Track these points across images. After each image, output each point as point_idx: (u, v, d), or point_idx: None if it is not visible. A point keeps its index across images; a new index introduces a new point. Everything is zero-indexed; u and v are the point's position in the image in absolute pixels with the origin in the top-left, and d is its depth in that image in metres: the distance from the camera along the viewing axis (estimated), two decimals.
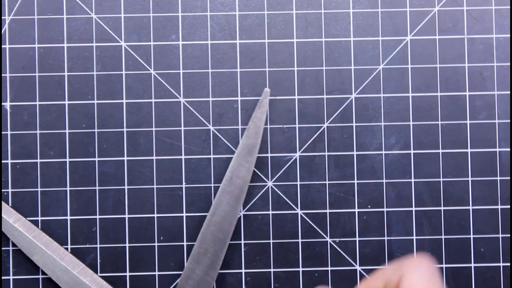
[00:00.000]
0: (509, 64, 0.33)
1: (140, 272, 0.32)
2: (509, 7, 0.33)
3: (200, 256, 0.31)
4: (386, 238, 0.33)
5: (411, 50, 0.33)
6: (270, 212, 0.33)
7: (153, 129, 0.32)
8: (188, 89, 0.33)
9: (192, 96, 0.33)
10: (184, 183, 0.32)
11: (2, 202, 0.32)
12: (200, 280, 0.31)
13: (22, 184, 0.32)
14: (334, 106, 0.33)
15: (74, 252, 0.32)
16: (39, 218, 0.32)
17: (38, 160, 0.32)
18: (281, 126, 0.33)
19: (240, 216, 0.32)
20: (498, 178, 0.33)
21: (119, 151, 0.32)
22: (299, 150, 0.33)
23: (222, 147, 0.33)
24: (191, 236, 0.32)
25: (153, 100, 0.32)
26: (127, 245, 0.32)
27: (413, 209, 0.33)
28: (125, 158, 0.32)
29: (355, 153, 0.33)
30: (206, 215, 0.32)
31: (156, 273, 0.32)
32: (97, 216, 0.32)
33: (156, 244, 0.32)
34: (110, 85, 0.32)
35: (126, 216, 0.32)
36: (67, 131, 0.32)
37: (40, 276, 0.32)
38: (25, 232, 0.31)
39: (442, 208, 0.33)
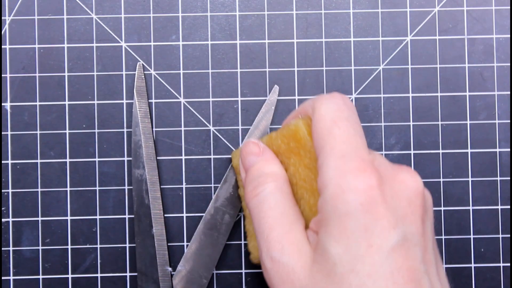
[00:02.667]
0: (509, 64, 0.34)
1: None
2: (509, 7, 0.34)
3: (195, 256, 0.32)
4: None
5: (411, 50, 0.34)
6: None
7: (153, 129, 0.33)
8: (188, 89, 0.33)
9: (192, 97, 0.33)
10: (184, 183, 0.33)
11: None
12: (194, 280, 0.32)
13: (22, 184, 0.33)
14: None
15: (74, 252, 0.33)
16: (39, 219, 0.33)
17: (39, 161, 0.33)
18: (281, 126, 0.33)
19: (240, 216, 0.33)
20: (498, 178, 0.34)
21: (119, 151, 0.33)
22: None
23: (222, 147, 0.33)
24: (191, 237, 0.33)
25: (153, 101, 0.33)
26: (127, 245, 0.33)
27: None
28: (125, 158, 0.33)
29: None
30: None
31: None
32: (97, 217, 0.33)
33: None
34: (110, 86, 0.33)
35: (126, 216, 0.33)
36: (67, 131, 0.33)
37: (40, 276, 0.33)
38: None
39: (442, 208, 0.33)
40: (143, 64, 0.33)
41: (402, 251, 0.22)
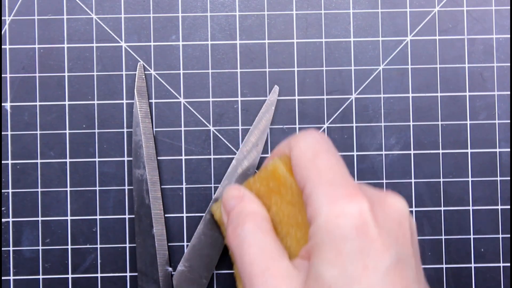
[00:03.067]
0: (509, 64, 0.34)
1: None
2: (509, 7, 0.34)
3: (195, 256, 0.32)
4: None
5: (411, 50, 0.34)
6: None
7: (153, 129, 0.33)
8: (188, 89, 0.33)
9: (192, 97, 0.33)
10: (184, 183, 0.33)
11: None
12: (194, 280, 0.32)
13: (22, 184, 0.33)
14: (334, 107, 0.34)
15: (74, 252, 0.33)
16: (39, 219, 0.33)
17: (39, 161, 0.33)
18: (282, 126, 0.33)
19: None
20: (498, 178, 0.34)
21: (119, 151, 0.33)
22: None
23: (222, 147, 0.33)
24: (191, 237, 0.33)
25: (153, 101, 0.33)
26: (127, 245, 0.33)
27: (413, 209, 0.34)
28: (125, 158, 0.33)
29: (355, 153, 0.34)
30: None
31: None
32: (98, 217, 0.33)
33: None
34: (110, 86, 0.33)
35: (126, 216, 0.33)
36: (67, 131, 0.33)
37: (40, 276, 0.33)
38: None
39: (442, 208, 0.34)
40: (143, 64, 0.33)
41: (396, 271, 0.22)
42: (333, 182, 0.24)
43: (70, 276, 0.33)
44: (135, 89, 0.33)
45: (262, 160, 0.33)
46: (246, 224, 0.26)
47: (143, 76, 0.33)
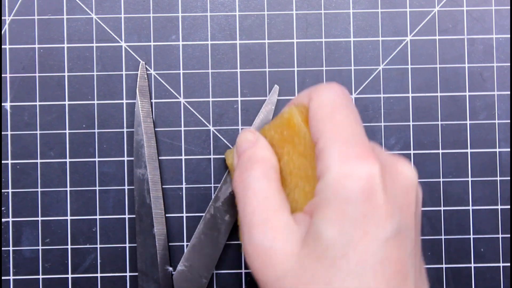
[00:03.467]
0: (509, 64, 0.34)
1: None
2: (509, 7, 0.34)
3: (195, 256, 0.32)
4: None
5: (411, 50, 0.34)
6: None
7: (153, 129, 0.33)
8: (188, 89, 0.34)
9: (192, 97, 0.34)
10: (184, 183, 0.33)
11: None
12: (194, 280, 0.32)
13: (22, 184, 0.33)
14: None
15: (74, 252, 0.33)
16: (39, 218, 0.33)
17: (38, 161, 0.33)
18: None
19: None
20: (498, 178, 0.34)
21: (119, 151, 0.33)
22: None
23: (222, 147, 0.34)
24: (191, 236, 0.33)
25: (153, 101, 0.34)
26: (127, 245, 0.33)
27: None
28: (125, 158, 0.33)
29: None
30: None
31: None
32: (97, 216, 0.33)
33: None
34: (110, 86, 0.34)
35: (126, 216, 0.33)
36: (67, 131, 0.33)
37: (40, 276, 0.33)
38: None
39: (442, 208, 0.34)
40: (145, 64, 0.34)
41: (395, 242, 0.22)
42: (348, 140, 0.23)
43: (70, 276, 0.33)
44: (137, 89, 0.33)
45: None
46: (254, 170, 0.26)
47: (145, 76, 0.33)
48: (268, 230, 0.24)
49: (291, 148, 0.27)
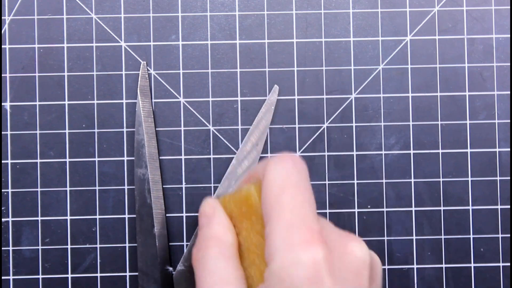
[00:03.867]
0: (509, 64, 0.34)
1: None
2: (509, 7, 0.35)
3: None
4: (386, 238, 0.34)
5: (411, 50, 0.34)
6: None
7: (154, 129, 0.33)
8: (188, 89, 0.34)
9: (192, 96, 0.34)
10: (184, 183, 0.34)
11: None
12: (194, 280, 0.32)
13: (22, 184, 0.33)
14: (334, 106, 0.34)
15: (74, 252, 0.33)
16: (39, 218, 0.33)
17: (38, 160, 0.33)
18: (281, 126, 0.34)
19: None
20: (498, 178, 0.34)
21: (119, 151, 0.34)
22: (299, 150, 0.34)
23: (222, 147, 0.34)
24: (191, 236, 0.33)
25: (153, 100, 0.34)
26: (127, 245, 0.33)
27: (413, 209, 0.34)
28: (125, 158, 0.34)
29: (355, 153, 0.34)
30: None
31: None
32: (97, 216, 0.33)
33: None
34: (110, 85, 0.34)
35: (126, 216, 0.33)
36: (67, 131, 0.34)
37: (40, 276, 0.33)
38: None
39: (442, 208, 0.34)
40: (146, 64, 0.34)
41: None
42: (292, 226, 0.23)
43: (69, 276, 0.33)
44: (138, 88, 0.33)
45: (262, 159, 0.33)
46: (209, 249, 0.26)
47: (146, 76, 0.33)
48: None
49: (249, 225, 0.27)
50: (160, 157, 0.34)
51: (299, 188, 0.25)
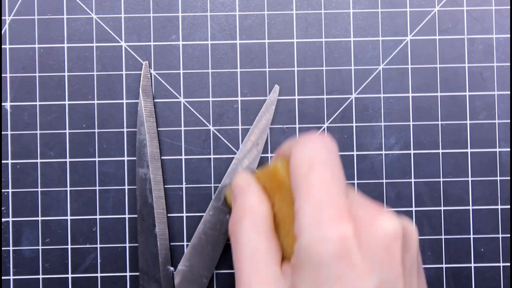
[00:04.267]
0: (509, 64, 0.35)
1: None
2: (509, 7, 0.35)
3: (195, 256, 0.33)
4: None
5: (411, 50, 0.34)
6: None
7: (156, 129, 0.34)
8: (188, 89, 0.34)
9: (192, 96, 0.34)
10: (184, 183, 0.34)
11: None
12: (195, 280, 0.33)
13: (22, 184, 0.34)
14: (334, 106, 0.34)
15: (74, 252, 0.33)
16: (39, 218, 0.34)
17: (38, 160, 0.34)
18: (281, 126, 0.34)
19: None
20: (498, 178, 0.34)
21: (119, 151, 0.34)
22: None
23: (222, 147, 0.34)
24: (191, 236, 0.33)
25: (153, 100, 0.34)
26: (127, 245, 0.34)
27: (413, 209, 0.34)
28: (125, 158, 0.34)
29: (355, 153, 0.34)
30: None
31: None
32: (97, 216, 0.34)
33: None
34: (110, 85, 0.34)
35: (126, 216, 0.34)
36: (67, 131, 0.34)
37: (40, 276, 0.33)
38: None
39: (442, 208, 0.34)
40: (144, 64, 0.34)
41: None
42: (321, 202, 0.23)
43: (70, 276, 0.34)
44: (140, 88, 0.33)
45: (262, 159, 0.34)
46: (243, 222, 0.27)
47: (148, 75, 0.34)
48: (254, 285, 0.25)
49: (280, 197, 0.27)
50: (161, 157, 0.34)
51: (327, 165, 0.25)
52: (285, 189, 0.27)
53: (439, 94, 0.34)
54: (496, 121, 0.34)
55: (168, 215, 0.34)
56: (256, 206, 0.27)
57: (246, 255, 0.26)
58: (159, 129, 0.34)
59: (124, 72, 0.34)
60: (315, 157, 0.25)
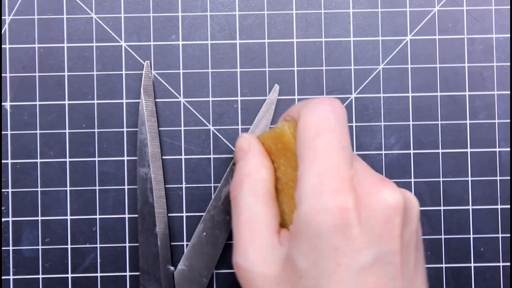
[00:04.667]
0: (509, 64, 0.35)
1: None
2: (509, 7, 0.35)
3: (195, 255, 0.33)
4: None
5: (411, 50, 0.35)
6: None
7: (157, 128, 0.34)
8: (188, 89, 0.34)
9: (192, 96, 0.34)
10: (184, 183, 0.34)
11: None
12: (195, 279, 0.33)
13: (22, 184, 0.34)
14: None
15: (74, 251, 0.34)
16: (39, 218, 0.34)
17: (38, 160, 0.34)
18: None
19: None
20: (498, 178, 0.34)
21: (119, 151, 0.34)
22: None
23: (222, 147, 0.34)
24: (191, 236, 0.33)
25: (154, 100, 0.34)
26: (127, 245, 0.34)
27: None
28: (125, 158, 0.34)
29: (355, 153, 0.34)
30: None
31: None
32: (97, 216, 0.34)
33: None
34: (110, 85, 0.34)
35: (126, 216, 0.34)
36: (67, 131, 0.34)
37: (40, 276, 0.34)
38: None
39: (442, 208, 0.34)
40: (150, 63, 0.34)
41: (372, 270, 0.22)
42: (323, 172, 0.23)
43: (70, 275, 0.34)
44: (141, 88, 0.34)
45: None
46: (242, 185, 0.27)
47: (150, 75, 0.34)
48: (250, 252, 0.25)
49: (285, 161, 0.27)
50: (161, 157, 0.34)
51: (334, 132, 0.24)
52: (291, 153, 0.26)
53: (439, 94, 0.35)
54: (496, 121, 0.35)
55: (168, 214, 0.34)
56: (256, 170, 0.27)
57: (243, 220, 0.26)
58: (159, 129, 0.34)
59: (124, 72, 0.34)
60: (323, 123, 0.24)
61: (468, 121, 0.35)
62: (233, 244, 0.26)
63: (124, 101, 0.34)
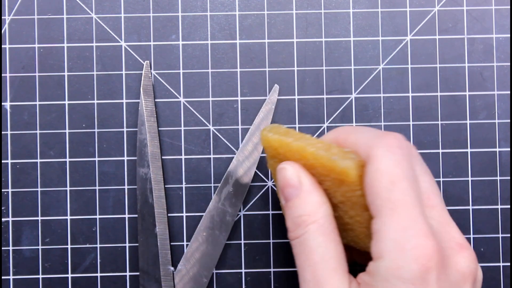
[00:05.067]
0: (509, 64, 0.35)
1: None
2: (509, 7, 0.35)
3: (195, 256, 0.33)
4: None
5: (411, 50, 0.35)
6: (270, 212, 0.34)
7: (157, 128, 0.34)
8: (188, 89, 0.34)
9: (192, 96, 0.34)
10: (184, 183, 0.34)
11: None
12: (195, 280, 0.33)
13: (22, 184, 0.34)
14: (334, 106, 0.35)
15: (74, 251, 0.34)
16: (39, 218, 0.34)
17: (38, 160, 0.34)
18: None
19: (240, 216, 0.34)
20: (498, 178, 0.35)
21: (119, 151, 0.34)
22: None
23: (222, 147, 0.34)
24: (191, 236, 0.34)
25: (154, 100, 0.34)
26: (127, 244, 0.34)
27: None
28: (125, 158, 0.34)
29: None
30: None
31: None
32: (97, 216, 0.34)
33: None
34: (110, 85, 0.34)
35: (126, 216, 0.34)
36: (67, 131, 0.34)
37: (40, 276, 0.34)
38: None
39: None
40: (149, 63, 0.34)
41: None
42: (405, 226, 0.23)
43: (70, 275, 0.34)
44: (141, 88, 0.34)
45: (262, 159, 0.34)
46: (307, 226, 0.26)
47: (149, 75, 0.34)
48: None
49: (343, 197, 0.26)
50: (161, 157, 0.34)
51: (409, 181, 0.24)
52: (352, 192, 0.25)
53: (439, 94, 0.35)
54: (496, 121, 0.35)
55: (168, 215, 0.34)
56: (318, 207, 0.26)
57: (316, 260, 0.25)
58: (159, 129, 0.34)
59: (124, 72, 0.34)
60: (397, 170, 0.24)
61: (468, 121, 0.35)
62: (301, 284, 0.26)
63: (124, 101, 0.34)
